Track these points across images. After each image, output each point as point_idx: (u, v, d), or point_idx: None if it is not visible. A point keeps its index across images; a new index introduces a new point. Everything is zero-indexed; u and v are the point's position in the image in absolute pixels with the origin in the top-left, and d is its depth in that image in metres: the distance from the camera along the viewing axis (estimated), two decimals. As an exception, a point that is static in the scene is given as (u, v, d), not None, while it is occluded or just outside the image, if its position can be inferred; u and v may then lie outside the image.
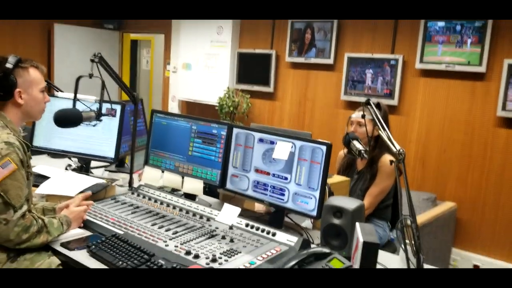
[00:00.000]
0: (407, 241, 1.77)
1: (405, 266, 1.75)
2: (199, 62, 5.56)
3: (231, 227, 1.98)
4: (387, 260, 1.84)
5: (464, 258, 3.90)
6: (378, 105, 2.85)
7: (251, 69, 5.20)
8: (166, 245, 1.76)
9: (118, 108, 2.45)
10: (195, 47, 5.57)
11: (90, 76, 2.07)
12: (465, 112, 3.89)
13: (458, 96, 3.92)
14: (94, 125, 2.12)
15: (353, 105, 4.48)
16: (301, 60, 4.80)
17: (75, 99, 2.08)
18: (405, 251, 1.77)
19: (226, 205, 2.10)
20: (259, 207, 2.56)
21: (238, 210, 2.05)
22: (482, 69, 3.74)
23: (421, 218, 3.37)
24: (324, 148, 1.94)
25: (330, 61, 4.58)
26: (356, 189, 2.89)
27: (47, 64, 6.02)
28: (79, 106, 2.14)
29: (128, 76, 7.40)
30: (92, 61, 2.08)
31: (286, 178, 2.04)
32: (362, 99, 4.36)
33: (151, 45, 8.33)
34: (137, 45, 8.42)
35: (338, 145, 4.46)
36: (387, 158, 2.76)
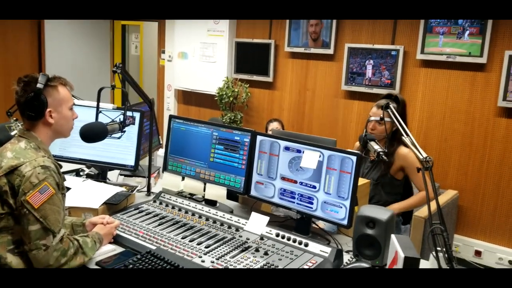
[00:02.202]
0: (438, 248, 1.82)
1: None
2: (196, 51, 5.49)
3: (261, 238, 1.99)
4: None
5: (466, 244, 4.01)
6: (396, 99, 2.85)
7: (249, 58, 5.15)
8: (202, 261, 1.77)
9: (137, 115, 2.42)
10: (191, 36, 5.48)
11: (113, 87, 2.04)
12: (465, 102, 3.95)
13: (458, 87, 3.97)
14: (119, 138, 2.09)
15: (354, 95, 4.49)
16: (300, 50, 4.77)
17: (97, 112, 2.04)
18: (437, 258, 1.82)
19: (253, 214, 2.11)
20: (276, 209, 2.58)
21: (266, 219, 2.07)
22: (483, 60, 3.77)
23: (426, 209, 3.44)
24: (354, 158, 1.95)
25: (330, 51, 4.56)
26: (369, 177, 2.93)
27: (37, 56, 5.86)
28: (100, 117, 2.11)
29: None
30: (114, 72, 2.04)
31: (314, 187, 2.06)
32: (363, 90, 4.42)
33: (140, 30, 8.16)
34: (125, 31, 8.24)
35: (340, 136, 4.52)
36: (403, 150, 2.80)
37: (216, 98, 5.15)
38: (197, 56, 5.49)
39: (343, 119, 4.61)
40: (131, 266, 1.72)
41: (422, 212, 3.20)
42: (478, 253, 3.95)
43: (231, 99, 5.09)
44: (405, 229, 3.21)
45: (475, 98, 3.89)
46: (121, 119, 2.12)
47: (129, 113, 2.19)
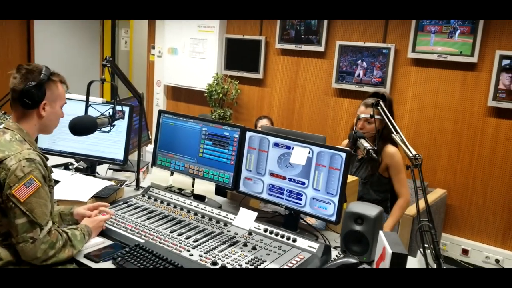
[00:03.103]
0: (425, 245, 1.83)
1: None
2: (186, 47, 5.46)
3: (250, 233, 1.99)
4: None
5: (453, 243, 4.05)
6: (383, 97, 2.86)
7: (239, 55, 5.14)
8: (191, 255, 1.77)
9: (126, 109, 2.40)
10: (181, 31, 5.46)
11: (103, 81, 2.02)
12: (455, 102, 3.97)
13: (449, 86, 3.99)
14: (108, 132, 2.07)
15: (344, 93, 4.51)
16: (291, 47, 4.76)
17: (87, 105, 2.02)
18: (425, 256, 1.82)
19: (242, 209, 2.10)
20: (265, 205, 2.58)
21: (254, 214, 2.06)
22: (473, 59, 3.80)
23: (414, 208, 3.46)
24: (343, 155, 1.95)
25: (321, 48, 4.57)
26: (357, 177, 2.94)
27: (27, 50, 5.79)
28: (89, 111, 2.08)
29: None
30: (104, 65, 2.02)
31: (303, 183, 2.06)
32: (353, 87, 4.43)
33: (130, 25, 8.10)
34: (115, 25, 8.17)
35: (329, 133, 4.53)
36: (391, 148, 2.81)
37: (205, 95, 5.14)
38: (187, 52, 5.46)
39: (333, 117, 4.62)
40: (119, 259, 1.70)
41: (410, 210, 3.22)
42: (465, 252, 3.98)
43: (220, 95, 5.07)
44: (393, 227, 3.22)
45: (465, 97, 3.92)
46: (111, 113, 2.10)
47: (118, 107, 2.17)
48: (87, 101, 2.05)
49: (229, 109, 5.16)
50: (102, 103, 2.27)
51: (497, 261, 3.83)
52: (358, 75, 4.38)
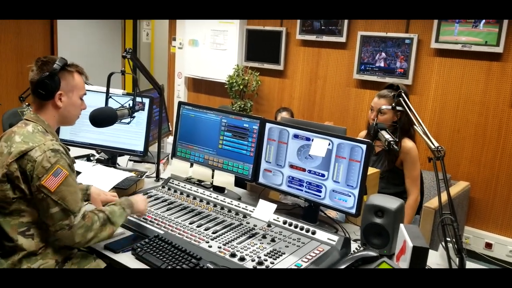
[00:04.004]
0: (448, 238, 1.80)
1: (445, 263, 1.78)
2: (207, 39, 5.46)
3: (269, 225, 1.98)
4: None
5: (476, 236, 3.98)
6: (397, 89, 2.81)
7: (260, 46, 5.11)
8: (210, 246, 1.77)
9: (146, 101, 2.41)
10: (202, 23, 5.45)
11: (123, 72, 2.03)
12: (480, 93, 3.88)
13: (473, 76, 3.90)
14: (128, 123, 2.09)
15: (365, 84, 4.45)
16: (312, 38, 4.72)
17: (107, 97, 2.04)
18: (446, 249, 1.80)
19: (261, 201, 2.10)
20: (285, 197, 2.57)
21: (274, 206, 2.06)
22: (499, 49, 3.70)
23: (437, 200, 3.40)
24: (364, 146, 1.93)
25: (343, 39, 4.51)
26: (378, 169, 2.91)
27: (50, 42, 5.88)
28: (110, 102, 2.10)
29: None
30: (124, 57, 2.03)
31: (323, 175, 2.04)
32: (375, 79, 4.36)
33: (152, 17, 8.14)
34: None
35: (350, 125, 4.49)
36: (408, 143, 2.77)
37: (226, 86, 5.14)
38: (208, 43, 5.46)
39: (354, 108, 4.57)
40: (139, 249, 1.72)
41: (432, 203, 3.17)
42: (488, 246, 3.91)
43: (241, 87, 5.07)
44: (414, 220, 3.18)
45: (490, 88, 3.82)
46: (131, 105, 2.11)
47: (138, 99, 2.18)
48: (107, 92, 2.06)
49: (249, 100, 5.16)
50: (123, 94, 2.29)
51: (522, 255, 3.75)
52: (380, 66, 4.31)
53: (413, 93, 4.16)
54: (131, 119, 2.11)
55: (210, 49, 5.47)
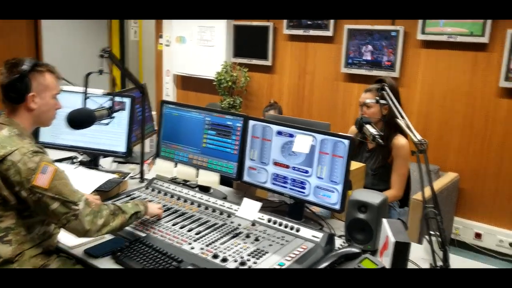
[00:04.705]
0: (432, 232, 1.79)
1: (429, 257, 1.77)
2: (194, 36, 5.42)
3: (253, 224, 1.97)
4: (411, 251, 1.85)
5: (466, 227, 3.98)
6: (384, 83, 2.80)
7: (248, 42, 5.08)
8: (192, 248, 1.75)
9: (127, 101, 2.38)
10: (188, 20, 5.41)
11: (100, 72, 1.99)
12: (467, 83, 3.87)
13: (459, 67, 3.89)
14: (107, 124, 2.06)
15: (354, 78, 4.43)
16: (299, 32, 4.69)
17: (85, 98, 2.01)
18: (430, 243, 1.79)
19: (245, 199, 2.08)
20: (272, 194, 2.55)
21: (259, 204, 2.04)
22: (484, 39, 3.69)
23: (428, 191, 3.40)
24: (346, 142, 1.91)
25: (330, 33, 4.49)
26: (367, 169, 2.89)
27: (34, 42, 5.81)
28: (89, 103, 2.07)
29: (118, 49, 7.21)
30: (102, 56, 2.00)
31: (306, 172, 2.03)
32: (363, 72, 4.34)
33: (139, 15, 8.06)
34: (123, 16, 8.15)
35: (339, 120, 4.47)
36: (400, 139, 2.76)
37: (214, 83, 5.10)
38: (195, 40, 5.42)
39: (343, 102, 4.55)
40: (119, 254, 1.70)
41: (420, 195, 3.16)
42: (478, 236, 3.92)
43: (230, 83, 5.04)
44: (404, 212, 3.17)
45: (476, 79, 3.82)
46: (110, 105, 2.08)
47: (118, 99, 2.15)
48: (85, 93, 2.02)
49: (239, 97, 5.13)
50: (103, 94, 2.25)
51: (511, 244, 3.76)
52: (367, 59, 4.30)
53: (401, 85, 4.14)
54: (111, 119, 2.07)
55: (197, 45, 5.43)
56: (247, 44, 5.10)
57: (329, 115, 4.63)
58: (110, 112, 2.06)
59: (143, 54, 8.11)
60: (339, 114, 4.58)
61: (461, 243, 3.99)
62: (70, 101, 2.05)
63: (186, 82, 5.81)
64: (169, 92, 5.95)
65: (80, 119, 1.94)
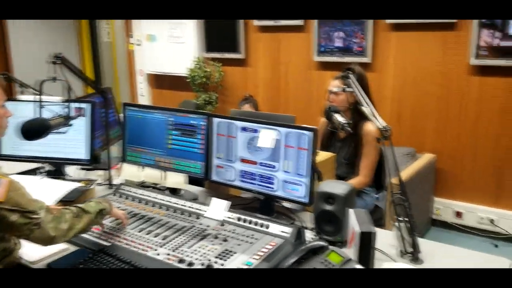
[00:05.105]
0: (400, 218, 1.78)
1: (399, 244, 1.76)
2: (164, 33, 5.34)
3: (222, 224, 1.93)
4: (381, 238, 1.82)
5: (446, 206, 4.00)
6: (353, 71, 2.77)
7: (219, 36, 5.01)
8: (157, 254, 1.71)
9: (86, 106, 2.31)
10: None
11: (54, 79, 1.93)
12: (438, 64, 3.87)
13: (430, 48, 3.88)
14: (64, 133, 1.99)
15: (327, 66, 4.40)
16: (270, 23, 4.64)
17: (40, 106, 1.94)
18: (399, 229, 1.77)
19: (214, 199, 2.04)
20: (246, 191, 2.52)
21: (227, 204, 2.00)
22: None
23: (404, 175, 3.37)
24: (310, 134, 1.88)
25: (300, 22, 4.44)
26: (339, 157, 2.87)
27: (2, 46, 5.66)
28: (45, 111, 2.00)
29: (89, 52, 7.08)
30: (54, 63, 1.93)
31: (273, 167, 1.99)
32: (335, 59, 4.31)
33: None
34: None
35: (315, 109, 4.44)
36: (369, 126, 2.73)
37: (188, 80, 5.04)
38: (166, 37, 5.35)
39: (317, 91, 4.51)
40: (81, 267, 1.65)
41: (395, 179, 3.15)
42: (458, 214, 3.93)
43: (203, 79, 4.98)
44: (382, 197, 3.16)
45: (447, 59, 3.82)
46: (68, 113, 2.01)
47: (76, 105, 2.08)
48: (40, 101, 1.95)
49: (214, 93, 5.08)
50: (62, 102, 2.18)
51: (491, 220, 3.78)
52: (339, 46, 4.27)
53: (373, 70, 4.13)
54: (69, 127, 2.01)
55: (168, 43, 5.36)
56: (219, 38, 5.04)
57: (305, 105, 4.60)
58: (66, 119, 1.99)
59: (117, 55, 7.99)
60: (315, 103, 4.55)
61: (442, 222, 4.00)
62: (25, 111, 1.98)
63: (160, 81, 5.74)
64: (144, 92, 5.87)
65: (33, 130, 1.87)
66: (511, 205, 3.74)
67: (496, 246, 3.72)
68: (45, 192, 2.13)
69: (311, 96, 4.57)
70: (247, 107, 4.17)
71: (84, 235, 1.88)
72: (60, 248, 1.81)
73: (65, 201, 2.10)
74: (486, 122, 3.72)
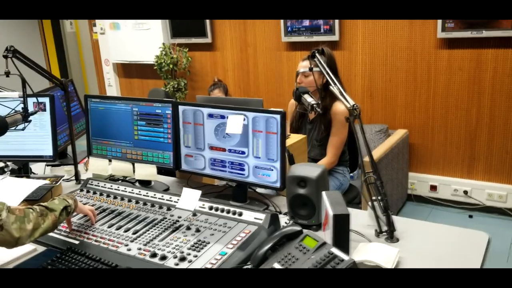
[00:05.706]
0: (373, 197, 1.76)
1: (374, 224, 1.75)
2: (128, 21, 5.18)
3: (194, 214, 1.88)
4: (356, 219, 1.81)
5: (421, 181, 4.04)
6: (322, 52, 2.73)
7: (184, 20, 4.90)
8: (129, 249, 1.65)
9: (46, 100, 2.21)
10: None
11: (7, 74, 1.83)
12: (405, 39, 3.86)
13: (397, 23, 3.87)
14: (23, 129, 1.90)
15: (295, 46, 4.35)
16: (235, 5, 4.54)
17: (-6, 104, 1.84)
18: (373, 208, 1.76)
19: (185, 189, 1.99)
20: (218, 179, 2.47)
21: (198, 193, 1.95)
22: (418, -8, 3.66)
23: (378, 152, 3.40)
24: (278, 117, 1.83)
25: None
26: (311, 139, 2.85)
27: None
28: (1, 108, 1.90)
29: (53, 43, 6.87)
30: (6, 57, 1.82)
31: (243, 153, 1.95)
32: (303, 39, 4.26)
33: (71, 5, 7.67)
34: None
35: (286, 90, 4.40)
36: (338, 106, 2.71)
37: (155, 68, 4.92)
38: (130, 25, 5.20)
39: (288, 72, 4.48)
40: (49, 267, 1.58)
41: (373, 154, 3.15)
42: (433, 188, 3.98)
43: (171, 66, 4.87)
44: (358, 176, 3.17)
45: (414, 33, 3.81)
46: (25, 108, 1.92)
47: (34, 100, 1.99)
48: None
49: (182, 79, 4.98)
50: (20, 97, 2.08)
51: (465, 192, 3.84)
52: (306, 26, 4.22)
53: (342, 48, 4.11)
54: (27, 124, 1.91)
55: (133, 30, 5.21)
56: (184, 23, 4.92)
57: (276, 86, 4.56)
58: (24, 115, 1.90)
59: (82, 45, 7.77)
60: (286, 84, 4.51)
61: (417, 197, 4.05)
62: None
63: (127, 70, 5.60)
64: (111, 82, 5.72)
65: (-12, 129, 1.77)
66: (484, 176, 3.81)
67: (471, 216, 3.79)
68: (9, 192, 2.04)
69: (282, 77, 4.52)
70: (216, 93, 4.10)
71: (52, 234, 1.81)
72: (27, 250, 1.74)
73: (30, 200, 2.02)
74: (455, 94, 3.75)
